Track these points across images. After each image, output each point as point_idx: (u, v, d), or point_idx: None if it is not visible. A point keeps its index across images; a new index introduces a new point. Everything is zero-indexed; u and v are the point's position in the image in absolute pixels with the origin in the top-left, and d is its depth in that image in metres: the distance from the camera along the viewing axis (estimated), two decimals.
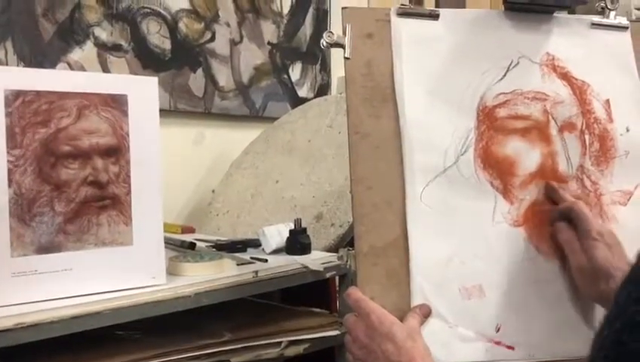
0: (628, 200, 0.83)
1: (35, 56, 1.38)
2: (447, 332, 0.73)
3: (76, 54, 1.45)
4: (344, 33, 0.81)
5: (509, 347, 0.75)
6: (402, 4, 0.82)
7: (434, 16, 0.83)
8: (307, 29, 1.95)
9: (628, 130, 0.83)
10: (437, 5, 0.86)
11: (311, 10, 1.96)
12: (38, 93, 0.72)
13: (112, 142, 0.77)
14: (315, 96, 1.95)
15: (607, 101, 0.84)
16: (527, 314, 0.76)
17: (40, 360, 0.75)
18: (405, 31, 0.82)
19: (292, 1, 1.91)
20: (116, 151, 0.77)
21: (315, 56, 1.97)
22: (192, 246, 1.09)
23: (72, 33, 1.44)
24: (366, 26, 0.82)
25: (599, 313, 0.75)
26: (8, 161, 0.70)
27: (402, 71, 0.80)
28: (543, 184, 0.80)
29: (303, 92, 1.95)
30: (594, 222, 0.73)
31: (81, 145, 0.75)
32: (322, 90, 1.99)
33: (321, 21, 1.98)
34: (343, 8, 0.83)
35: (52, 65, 1.40)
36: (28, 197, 0.72)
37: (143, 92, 0.79)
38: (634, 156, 0.83)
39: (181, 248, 1.09)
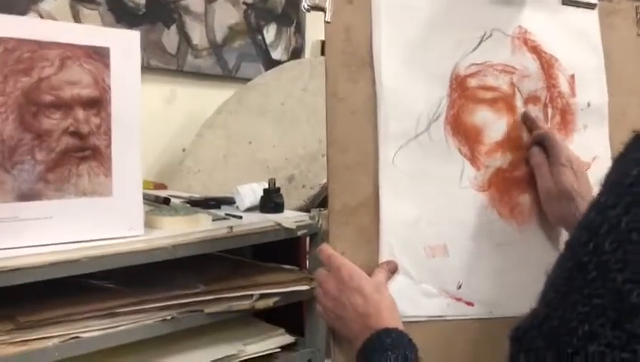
0: (586, 170, 0.88)
1: (4, 3, 1.35)
2: (412, 288, 0.78)
3: (47, 4, 1.43)
4: None
5: (469, 303, 0.80)
6: None
7: None
8: None
9: (589, 105, 0.88)
10: None
11: None
12: (19, 41, 0.72)
13: (94, 93, 0.78)
14: (288, 59, 1.96)
15: (573, 76, 0.88)
16: (487, 273, 0.81)
17: (12, 306, 0.77)
18: None
19: None
20: (98, 103, 0.78)
21: (290, 18, 1.97)
22: (166, 201, 1.11)
23: None
24: None
25: None
26: None
27: (380, 38, 0.82)
28: (508, 152, 0.85)
29: (276, 54, 1.95)
30: (564, 149, 0.80)
31: (62, 95, 0.75)
32: (296, 53, 2.00)
33: None
34: None
35: (21, 13, 1.38)
36: (9, 144, 0.73)
37: (126, 45, 0.80)
38: (592, 129, 0.88)
39: (156, 203, 1.11)
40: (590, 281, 0.28)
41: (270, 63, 1.90)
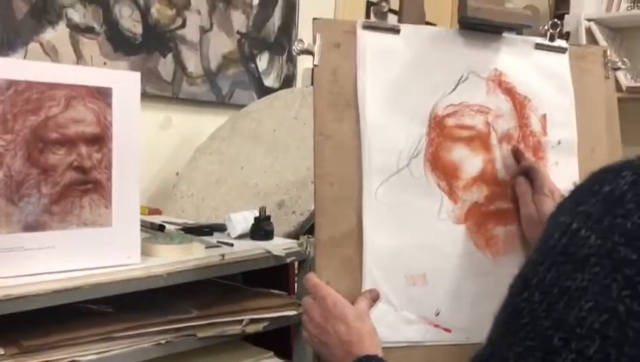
0: None
1: (8, 35, 1.41)
2: (392, 315, 0.83)
3: (48, 34, 1.48)
4: (314, 42, 0.89)
5: (447, 329, 0.86)
6: (367, 19, 0.91)
7: (395, 31, 0.91)
8: (276, 20, 2.02)
9: (559, 143, 0.95)
10: (399, 20, 0.95)
11: (280, 2, 2.02)
12: (29, 83, 0.78)
13: (97, 130, 0.83)
14: (280, 86, 2.02)
15: (544, 116, 0.94)
16: (464, 301, 0.86)
17: (17, 330, 0.81)
18: (369, 43, 0.90)
19: None
20: (100, 140, 0.84)
21: (283, 47, 2.04)
22: (161, 228, 1.16)
23: (45, 13, 1.47)
24: (334, 36, 0.89)
25: None
26: (0, 145, 0.76)
27: (365, 79, 0.88)
28: (484, 187, 0.91)
29: (269, 81, 2.01)
30: (547, 180, 0.86)
31: (68, 132, 0.81)
32: (288, 80, 2.06)
33: (290, 13, 2.05)
34: (313, 19, 0.90)
35: (24, 44, 1.44)
36: (17, 179, 0.78)
37: (127, 85, 0.86)
38: (563, 166, 0.94)
39: (151, 229, 1.16)
40: (523, 325, 0.34)
41: (263, 90, 1.96)
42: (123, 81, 0.85)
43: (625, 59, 1.04)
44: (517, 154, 0.90)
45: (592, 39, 2.36)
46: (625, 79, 2.12)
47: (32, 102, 0.78)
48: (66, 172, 0.81)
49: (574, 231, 0.34)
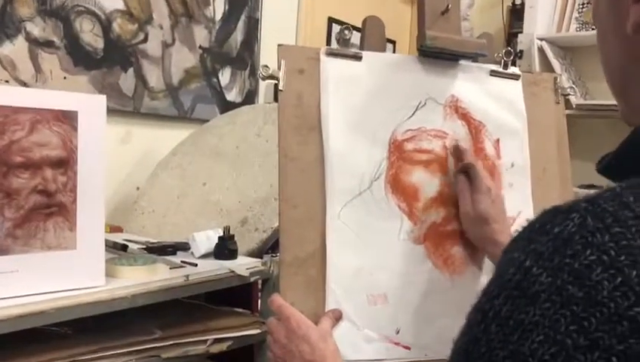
0: (511, 224, 0.98)
1: None
2: (354, 333, 0.86)
3: (6, 48, 1.46)
4: (279, 67, 0.91)
5: (406, 347, 0.89)
6: (330, 47, 0.93)
7: (357, 58, 0.95)
8: (238, 35, 2.03)
9: (513, 166, 0.99)
10: (361, 47, 0.98)
11: (243, 18, 2.04)
12: None
13: (62, 154, 0.83)
14: (243, 101, 2.04)
15: (498, 140, 0.99)
16: (423, 319, 0.90)
17: None
18: (332, 69, 0.93)
19: (225, 8, 1.98)
20: (65, 163, 0.84)
21: (245, 62, 2.06)
22: (124, 248, 1.15)
23: (3, 27, 1.45)
24: (298, 62, 0.92)
25: None
26: None
27: (328, 104, 0.91)
28: (441, 208, 0.94)
29: (231, 96, 2.02)
30: (485, 180, 0.90)
31: (32, 156, 0.81)
32: (250, 95, 2.08)
33: (253, 28, 2.07)
34: (278, 45, 0.92)
35: None
36: None
37: (92, 109, 0.86)
38: (517, 188, 0.99)
39: (114, 249, 1.16)
40: (482, 354, 0.37)
41: (225, 105, 1.97)
42: (89, 105, 0.86)
43: (573, 86, 1.11)
44: (457, 152, 0.95)
45: (544, 57, 2.45)
46: (575, 97, 2.22)
47: None
48: (30, 195, 0.81)
49: (527, 268, 0.37)
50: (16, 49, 1.48)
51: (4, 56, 1.46)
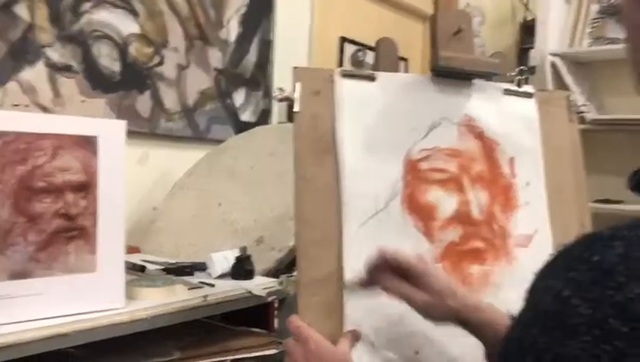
0: (529, 242, 0.98)
1: None
2: (373, 354, 0.86)
3: (27, 74, 1.49)
4: (294, 89, 0.92)
5: None
6: (344, 68, 0.95)
7: (372, 79, 0.96)
8: (252, 56, 2.06)
9: (528, 184, 0.99)
10: (375, 68, 0.99)
11: (256, 40, 2.07)
12: (17, 135, 0.79)
13: (83, 178, 0.85)
14: (257, 121, 2.06)
15: (512, 159, 0.99)
16: (441, 340, 0.89)
17: None
18: (347, 90, 0.94)
19: (238, 30, 2.01)
20: (86, 187, 0.85)
21: (259, 82, 2.08)
22: (142, 269, 1.17)
23: (24, 53, 1.48)
24: (313, 84, 0.93)
25: None
26: None
27: (343, 125, 0.92)
28: (459, 227, 0.94)
29: (245, 116, 2.05)
30: (418, 260, 0.79)
31: (54, 181, 0.83)
32: (264, 115, 2.10)
33: (266, 50, 2.10)
34: (294, 68, 0.93)
35: (2, 83, 1.44)
36: (4, 228, 0.79)
37: (112, 133, 0.88)
38: (533, 206, 0.99)
39: (132, 270, 1.17)
40: None
41: (239, 125, 1.99)
42: (108, 129, 0.88)
43: (586, 103, 1.11)
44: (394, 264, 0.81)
45: (556, 73, 2.45)
46: (589, 113, 2.21)
47: (19, 153, 0.80)
48: (53, 220, 0.83)
49: (565, 298, 0.35)
50: (36, 74, 1.51)
51: (24, 81, 1.49)
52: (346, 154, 0.91)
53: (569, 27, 2.54)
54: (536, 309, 0.37)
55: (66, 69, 1.57)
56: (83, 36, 1.60)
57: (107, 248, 0.88)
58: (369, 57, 0.98)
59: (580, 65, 2.55)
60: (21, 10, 1.45)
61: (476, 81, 1.01)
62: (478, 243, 0.95)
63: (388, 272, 0.80)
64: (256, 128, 1.80)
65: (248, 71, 2.05)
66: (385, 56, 1.00)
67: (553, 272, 0.38)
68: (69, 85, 1.57)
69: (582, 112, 1.10)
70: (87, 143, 0.86)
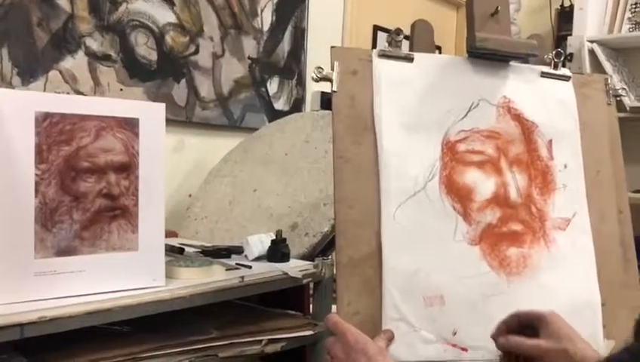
0: (567, 225, 0.97)
1: (29, 63, 1.45)
2: (411, 334, 0.86)
3: (68, 63, 1.53)
4: (332, 69, 0.92)
5: (463, 349, 0.88)
6: (382, 48, 0.95)
7: (409, 59, 0.96)
8: (285, 45, 2.06)
9: (566, 167, 0.98)
10: (411, 49, 0.99)
11: (289, 28, 2.07)
12: (63, 116, 0.82)
13: (125, 159, 0.87)
14: (290, 109, 2.07)
15: (550, 141, 0.98)
16: (479, 321, 0.89)
17: (43, 351, 0.84)
18: (384, 70, 0.94)
19: (272, 19, 2.02)
20: (127, 168, 0.87)
21: (292, 71, 2.09)
22: (181, 251, 1.19)
23: (65, 42, 1.51)
24: (351, 63, 0.94)
25: None
26: (35, 174, 0.80)
27: (381, 105, 0.92)
28: (497, 209, 0.94)
29: (279, 105, 2.06)
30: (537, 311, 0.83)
31: (98, 161, 0.85)
32: (297, 103, 2.11)
33: (299, 38, 2.10)
34: (331, 47, 0.94)
35: (44, 72, 1.48)
36: (51, 206, 0.82)
37: (152, 116, 0.90)
38: (571, 189, 0.97)
39: (171, 252, 1.19)
40: None
41: (273, 114, 2.01)
42: (149, 112, 0.90)
43: (625, 88, 1.08)
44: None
45: (594, 60, 2.40)
46: (628, 100, 2.16)
47: (65, 133, 0.82)
48: (96, 199, 0.85)
49: None
50: (77, 63, 1.54)
51: (65, 70, 1.52)
52: (384, 133, 0.91)
53: (608, 13, 2.48)
54: None
55: (105, 58, 1.60)
56: (121, 26, 1.62)
57: (148, 227, 0.90)
58: (404, 46, 0.97)
59: (619, 51, 2.49)
60: (62, 1, 1.48)
61: (513, 63, 1.00)
62: (516, 226, 0.94)
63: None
64: (291, 116, 1.81)
65: (282, 59, 2.06)
66: (420, 39, 1.00)
67: None
68: (107, 74, 1.60)
69: (620, 95, 1.07)
70: (129, 125, 0.87)
